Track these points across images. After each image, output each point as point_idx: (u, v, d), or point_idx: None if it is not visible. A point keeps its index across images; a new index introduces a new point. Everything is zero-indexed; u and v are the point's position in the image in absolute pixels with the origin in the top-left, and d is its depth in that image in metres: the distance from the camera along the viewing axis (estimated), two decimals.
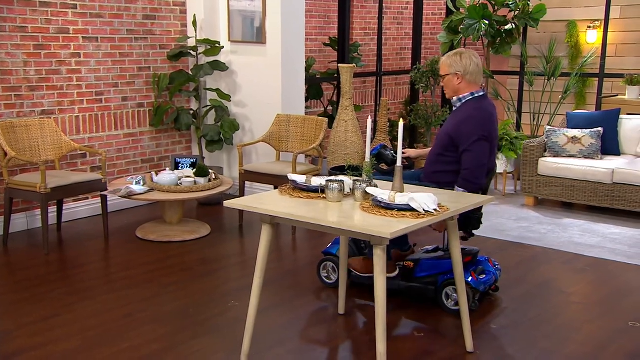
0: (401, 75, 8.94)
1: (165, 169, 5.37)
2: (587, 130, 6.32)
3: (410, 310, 3.98)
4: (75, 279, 4.50)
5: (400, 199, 3.05)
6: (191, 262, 4.79)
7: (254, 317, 3.32)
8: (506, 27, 7.32)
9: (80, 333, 3.62)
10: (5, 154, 5.00)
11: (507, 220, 5.95)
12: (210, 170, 5.31)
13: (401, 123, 3.33)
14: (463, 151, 3.88)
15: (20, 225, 5.42)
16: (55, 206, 5.48)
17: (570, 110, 7.07)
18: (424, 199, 3.07)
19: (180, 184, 5.08)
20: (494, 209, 6.34)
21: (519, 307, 4.07)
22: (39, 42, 5.46)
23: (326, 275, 4.32)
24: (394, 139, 8.39)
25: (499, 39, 7.39)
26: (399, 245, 4.12)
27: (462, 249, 4.12)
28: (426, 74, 7.62)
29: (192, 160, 5.55)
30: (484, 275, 4.03)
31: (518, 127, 7.73)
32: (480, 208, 4.02)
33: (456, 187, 3.89)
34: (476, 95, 3.96)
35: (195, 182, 5.13)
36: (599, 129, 6.33)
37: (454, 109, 4.06)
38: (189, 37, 6.34)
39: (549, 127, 6.61)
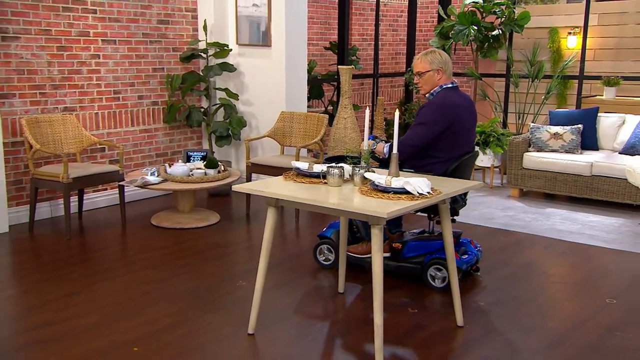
0: (396, 78, 8.92)
1: (178, 162, 5.35)
2: (568, 127, 6.31)
3: (404, 289, 3.97)
4: (95, 261, 4.49)
5: (396, 182, 3.05)
6: (202, 246, 4.77)
7: (260, 293, 3.31)
8: (493, 33, 7.31)
9: (99, 309, 3.62)
10: (31, 147, 5.00)
11: (494, 210, 5.94)
12: (219, 163, 5.30)
13: (397, 113, 3.33)
14: (413, 125, 3.96)
15: (44, 213, 5.42)
16: (77, 196, 5.48)
17: (552, 109, 7.06)
18: (418, 182, 3.06)
19: (192, 175, 5.07)
20: (482, 199, 6.33)
21: (505, 286, 4.06)
22: (62, 44, 5.45)
23: (323, 257, 4.33)
24: (390, 136, 8.39)
25: (486, 44, 7.38)
26: (389, 227, 4.15)
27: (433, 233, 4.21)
28: None
29: (202, 153, 5.54)
30: (466, 255, 4.04)
31: (504, 124, 7.72)
32: (465, 195, 4.03)
33: (386, 144, 3.99)
34: (444, 87, 3.92)
35: (205, 173, 5.12)
36: (579, 125, 6.32)
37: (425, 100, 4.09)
38: (200, 41, 6.32)
39: (532, 124, 6.60)
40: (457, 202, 3.95)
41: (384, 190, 3.03)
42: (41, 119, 5.18)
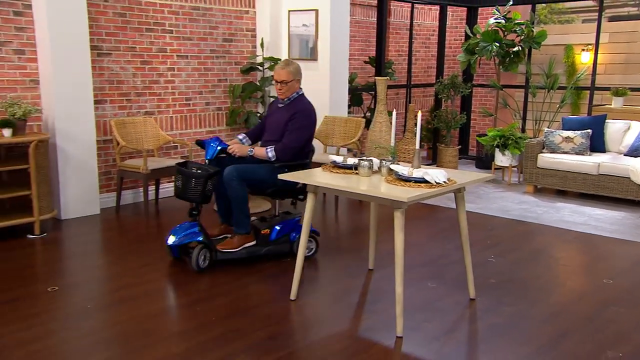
0: (427, 88, 8.91)
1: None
2: (578, 132, 6.21)
3: (424, 270, 4.02)
4: None
5: (416, 173, 3.11)
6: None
7: (301, 265, 3.42)
8: (514, 49, 7.24)
9: (169, 276, 3.80)
10: (118, 144, 5.24)
11: (510, 203, 5.91)
12: None
13: (419, 114, 3.39)
14: (291, 130, 3.94)
15: (128, 198, 5.65)
16: (154, 185, 5.71)
17: (565, 116, 6.95)
18: (436, 173, 3.12)
19: None
20: (500, 194, 6.29)
21: (515, 267, 4.07)
22: (144, 59, 5.67)
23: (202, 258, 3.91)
24: (421, 139, 8.39)
25: (507, 58, 7.31)
26: (228, 220, 4.12)
27: (288, 213, 4.25)
28: (447, 86, 7.59)
29: None
30: (294, 233, 4.14)
31: (523, 130, 7.63)
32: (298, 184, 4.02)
33: (269, 148, 3.94)
34: (300, 93, 4.10)
35: None
36: (588, 130, 6.21)
37: (280, 105, 4.10)
38: (258, 56, 6.47)
39: (547, 129, 6.52)
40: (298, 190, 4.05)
41: (406, 180, 3.11)
42: (127, 121, 5.42)
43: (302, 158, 4.05)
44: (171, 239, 3.88)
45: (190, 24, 5.96)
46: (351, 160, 3.41)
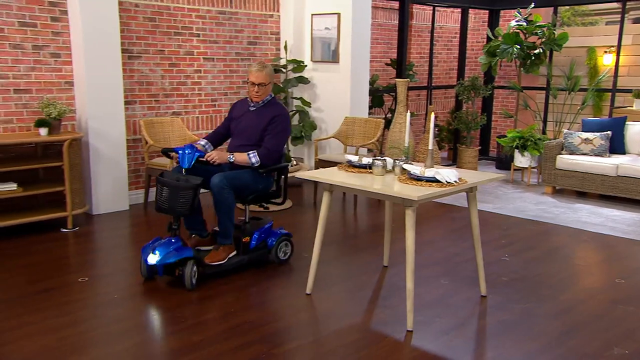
0: (449, 90, 8.90)
1: None
2: (598, 133, 6.16)
3: (437, 268, 4.07)
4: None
5: (428, 172, 3.17)
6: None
7: (317, 260, 3.50)
8: (535, 51, 7.20)
9: None
10: (146, 143, 5.39)
11: (528, 204, 5.89)
12: (292, 158, 5.52)
13: (432, 115, 3.44)
14: (272, 135, 3.79)
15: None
16: None
17: (585, 118, 6.89)
18: (448, 173, 3.17)
19: None
20: (519, 194, 6.28)
21: (528, 265, 4.08)
22: (172, 62, 5.80)
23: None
24: (441, 140, 8.41)
25: (529, 61, 7.28)
26: (199, 232, 3.91)
27: (258, 219, 4.05)
28: (467, 88, 7.58)
29: None
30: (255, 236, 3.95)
31: (544, 131, 7.58)
32: (278, 189, 3.97)
33: (251, 154, 3.75)
34: (272, 96, 3.95)
35: None
36: (608, 132, 6.16)
37: (252, 108, 3.90)
38: (281, 58, 6.56)
39: (566, 130, 6.48)
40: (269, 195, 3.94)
41: (418, 179, 3.16)
42: (155, 121, 5.56)
43: (280, 162, 3.91)
44: (153, 258, 3.46)
45: (217, 28, 6.10)
46: (366, 160, 3.48)
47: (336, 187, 3.33)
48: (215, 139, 4.03)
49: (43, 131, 4.65)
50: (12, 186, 4.51)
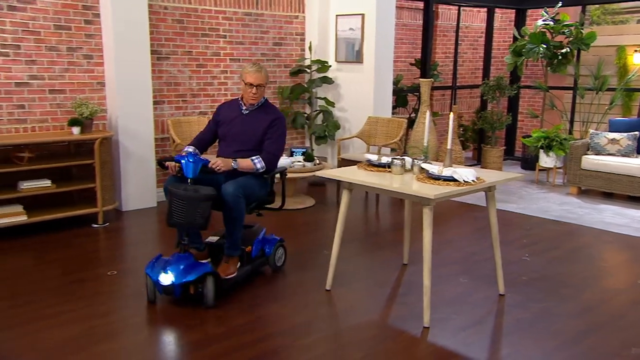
0: (475, 89, 8.87)
1: (283, 155, 5.70)
2: (625, 134, 6.08)
3: (457, 266, 4.09)
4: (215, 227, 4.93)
5: (446, 171, 3.21)
6: (297, 224, 5.07)
7: (336, 256, 3.57)
8: (562, 51, 7.13)
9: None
10: (174, 141, 5.54)
11: (552, 204, 5.85)
12: (315, 157, 5.60)
13: (452, 115, 3.48)
14: (274, 139, 3.63)
15: None
16: None
17: (612, 118, 6.79)
18: (465, 172, 3.20)
19: (293, 166, 5.42)
20: (543, 195, 6.24)
21: (549, 266, 4.08)
22: (200, 62, 5.94)
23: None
24: (466, 139, 8.38)
25: (555, 60, 7.21)
26: (197, 245, 3.64)
27: (250, 226, 3.84)
28: (492, 87, 7.55)
29: (303, 150, 5.86)
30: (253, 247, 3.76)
31: (571, 131, 7.49)
32: (272, 194, 3.83)
33: (256, 159, 3.57)
34: (265, 98, 3.75)
35: (303, 165, 5.45)
36: (636, 132, 6.07)
37: (245, 111, 3.67)
38: (306, 59, 6.64)
39: (592, 130, 6.41)
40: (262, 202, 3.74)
41: (436, 178, 3.21)
42: (182, 120, 5.70)
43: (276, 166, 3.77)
44: (167, 278, 3.20)
45: (243, 29, 6.22)
46: (385, 159, 3.54)
47: (355, 185, 3.40)
48: (201, 145, 3.74)
49: (76, 130, 4.84)
50: (47, 183, 4.70)
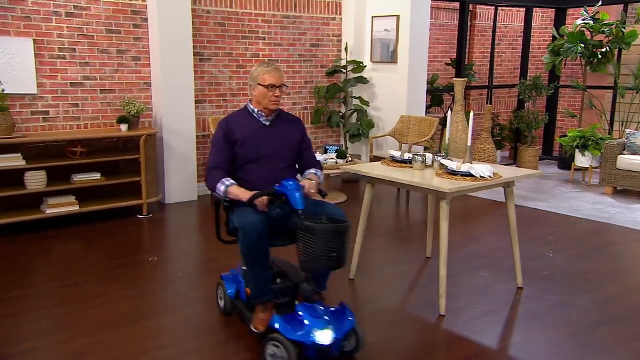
0: (513, 89, 8.84)
1: (316, 153, 5.92)
2: None
3: (480, 260, 4.20)
4: None
5: (464, 167, 3.36)
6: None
7: (359, 247, 3.77)
8: (601, 50, 7.07)
9: None
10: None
11: (585, 203, 5.85)
12: (348, 155, 5.79)
13: (472, 114, 3.61)
14: (310, 147, 3.24)
15: None
16: None
17: None
18: (482, 168, 3.34)
19: (326, 163, 5.62)
20: (577, 194, 6.23)
21: (573, 262, 4.14)
22: (240, 64, 6.22)
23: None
24: (503, 139, 8.37)
25: (595, 59, 7.14)
26: (323, 288, 3.09)
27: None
28: (529, 87, 7.54)
29: (337, 147, 6.07)
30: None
31: (610, 131, 7.41)
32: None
33: (312, 172, 3.15)
34: None
35: (336, 162, 5.65)
36: None
37: (266, 123, 3.07)
38: (342, 59, 6.84)
39: (629, 130, 6.34)
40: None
41: (454, 173, 3.36)
42: (216, 120, 6.00)
43: None
44: (327, 337, 2.59)
45: (281, 31, 6.47)
46: (407, 156, 3.70)
47: (377, 180, 3.58)
48: (230, 173, 3.02)
49: (124, 127, 5.20)
50: (97, 176, 5.08)
